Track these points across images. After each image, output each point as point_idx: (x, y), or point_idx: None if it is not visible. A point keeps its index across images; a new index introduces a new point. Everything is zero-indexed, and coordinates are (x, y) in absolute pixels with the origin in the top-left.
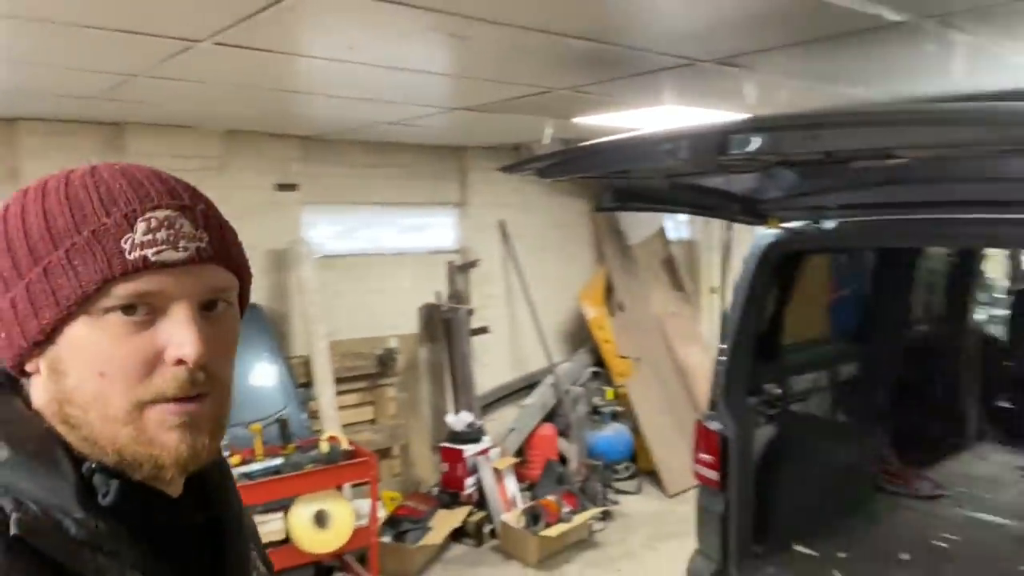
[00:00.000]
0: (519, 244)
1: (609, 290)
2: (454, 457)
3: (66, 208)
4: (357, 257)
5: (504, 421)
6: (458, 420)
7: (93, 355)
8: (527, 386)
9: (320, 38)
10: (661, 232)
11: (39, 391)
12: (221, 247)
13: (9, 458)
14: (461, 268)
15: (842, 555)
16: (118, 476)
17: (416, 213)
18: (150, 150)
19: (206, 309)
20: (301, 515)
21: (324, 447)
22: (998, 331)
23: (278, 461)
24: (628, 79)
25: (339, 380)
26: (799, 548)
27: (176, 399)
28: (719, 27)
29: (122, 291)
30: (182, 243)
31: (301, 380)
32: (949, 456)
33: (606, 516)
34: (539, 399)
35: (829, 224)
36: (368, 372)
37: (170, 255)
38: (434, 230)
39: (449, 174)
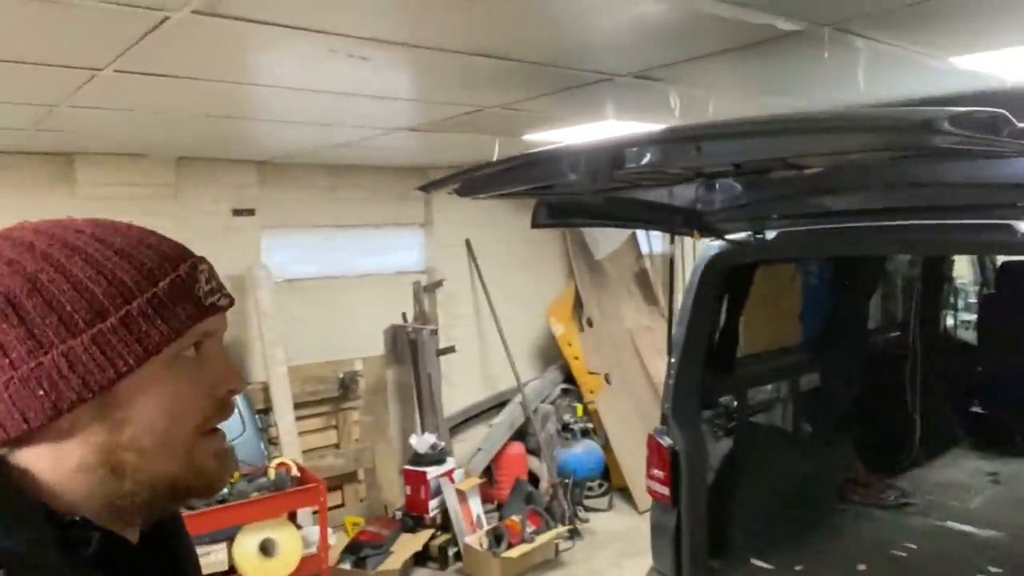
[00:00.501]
0: (488, 262)
1: (579, 305)
2: (417, 479)
3: (125, 265)
4: (319, 280)
5: (475, 441)
6: (421, 442)
7: (163, 396)
8: (497, 405)
9: (219, 63)
10: (634, 245)
11: (57, 454)
12: None
13: None
14: (427, 288)
15: (799, 568)
16: (92, 527)
17: (380, 234)
18: (102, 179)
19: None
20: (246, 545)
21: (271, 474)
22: (966, 335)
23: (224, 491)
24: (554, 95)
25: (301, 405)
26: (757, 562)
27: (215, 429)
28: (625, 42)
29: (199, 331)
30: (224, 289)
31: (260, 406)
32: (917, 464)
33: (574, 534)
34: (507, 418)
35: (771, 234)
36: (330, 396)
37: (224, 300)
38: (399, 251)
39: (413, 194)
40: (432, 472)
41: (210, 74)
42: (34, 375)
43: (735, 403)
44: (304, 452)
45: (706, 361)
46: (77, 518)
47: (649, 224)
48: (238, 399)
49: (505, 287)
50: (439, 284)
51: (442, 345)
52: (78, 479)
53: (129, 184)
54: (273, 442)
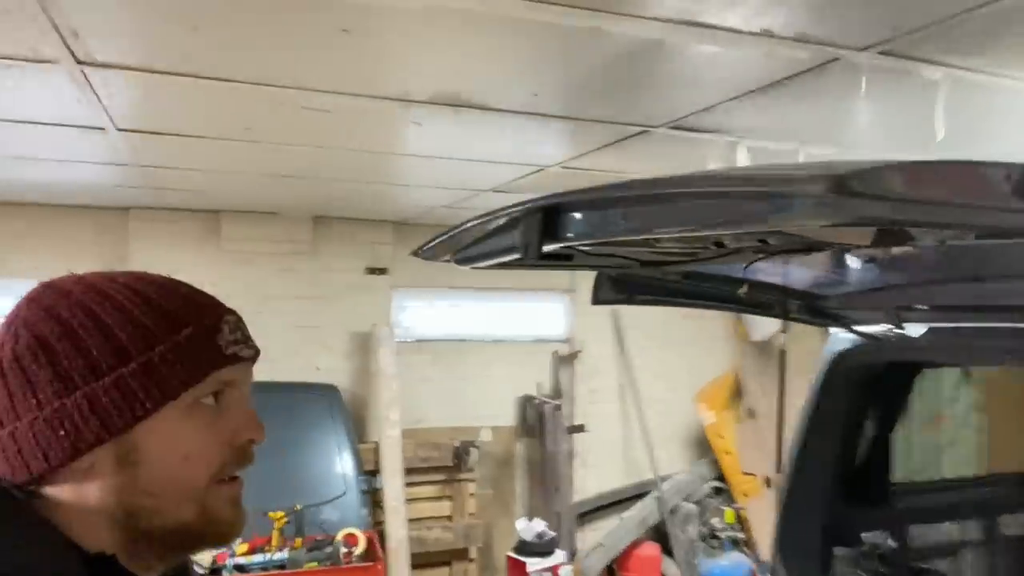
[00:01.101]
0: (637, 334)
1: (739, 394)
2: (518, 570)
3: (152, 314)
4: (451, 342)
5: (603, 534)
6: (528, 528)
7: (178, 441)
8: (638, 495)
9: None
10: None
11: (78, 493)
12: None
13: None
14: (564, 359)
15: None
16: (116, 563)
17: (520, 298)
18: (244, 234)
19: None
20: None
21: (339, 545)
22: None
23: (284, 555)
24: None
25: (414, 470)
26: None
27: (233, 477)
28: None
29: (217, 379)
30: (249, 341)
31: (369, 467)
32: None
33: None
34: (639, 513)
35: (916, 330)
36: (444, 464)
37: (247, 351)
38: (540, 317)
39: None
40: (534, 564)
41: (359, 145)
42: (57, 415)
43: (892, 543)
44: (412, 520)
45: (841, 485)
46: (103, 552)
47: (753, 308)
48: (347, 459)
49: (656, 364)
50: (575, 355)
51: (576, 422)
52: (97, 519)
53: (269, 240)
54: (380, 505)
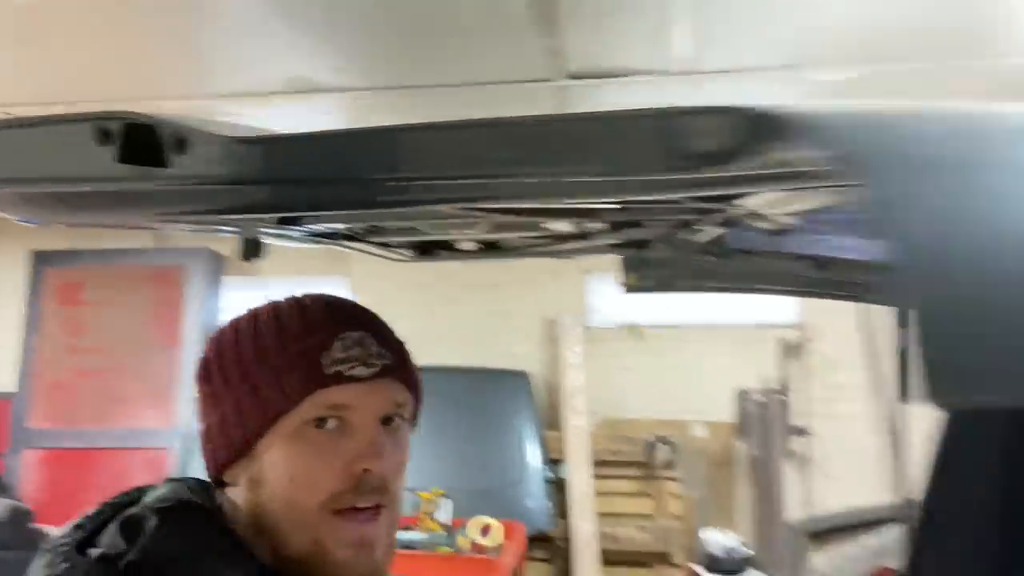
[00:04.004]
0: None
1: None
2: None
3: (274, 330)
4: (661, 328)
5: (844, 557)
6: (715, 540)
7: (287, 463)
8: (894, 519)
9: None
10: None
11: (237, 502)
12: (401, 364)
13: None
14: (792, 348)
15: None
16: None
17: None
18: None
19: (384, 423)
20: None
21: (475, 534)
22: None
23: (413, 535)
24: None
25: (606, 463)
26: None
27: (356, 508)
28: None
29: (319, 402)
30: (371, 360)
31: (555, 456)
32: None
33: None
34: (879, 540)
35: None
36: (635, 460)
37: (361, 371)
38: (765, 298)
39: None
40: None
41: None
42: (208, 431)
43: None
44: (604, 515)
45: None
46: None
47: (815, 289)
48: (530, 446)
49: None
50: (802, 344)
51: (809, 422)
52: (245, 532)
53: None
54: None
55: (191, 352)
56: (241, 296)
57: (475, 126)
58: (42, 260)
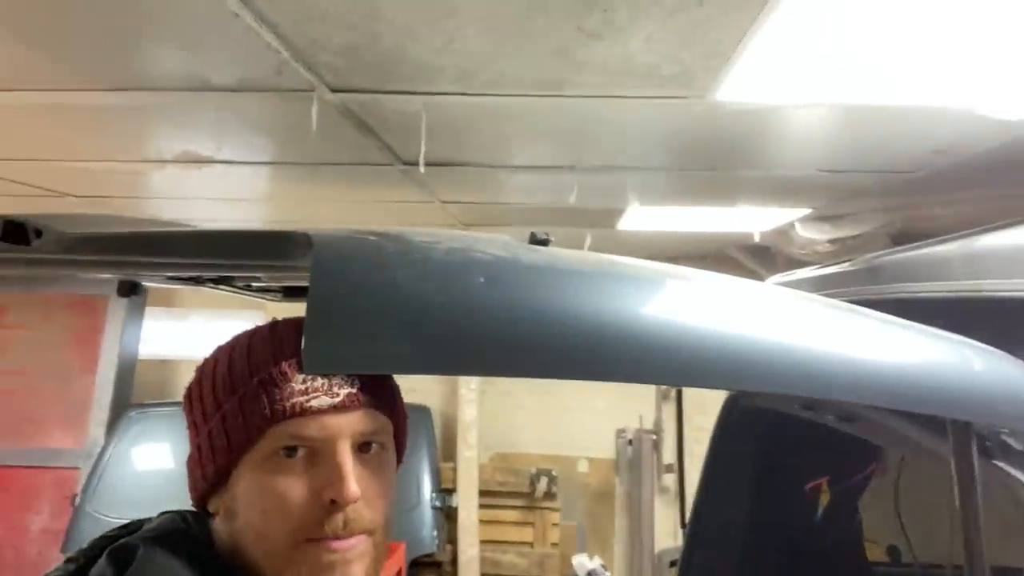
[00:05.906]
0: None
1: None
2: None
3: (245, 358)
4: None
5: None
6: (581, 564)
7: (256, 493)
8: None
9: None
10: None
11: (220, 531)
12: (373, 392)
13: None
14: (666, 393)
15: None
16: None
17: None
18: None
19: (361, 450)
20: None
21: None
22: None
23: None
24: None
25: (493, 493)
26: None
27: (331, 537)
28: None
29: (281, 434)
30: (334, 389)
31: (447, 485)
32: None
33: None
34: None
35: None
36: (521, 491)
37: (323, 401)
38: None
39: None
40: None
41: None
42: (189, 461)
43: None
44: (491, 542)
45: None
46: None
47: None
48: (424, 476)
49: None
50: (673, 390)
51: (677, 461)
52: (231, 560)
53: None
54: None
55: (107, 378)
56: (160, 327)
57: (187, 235)
58: None
